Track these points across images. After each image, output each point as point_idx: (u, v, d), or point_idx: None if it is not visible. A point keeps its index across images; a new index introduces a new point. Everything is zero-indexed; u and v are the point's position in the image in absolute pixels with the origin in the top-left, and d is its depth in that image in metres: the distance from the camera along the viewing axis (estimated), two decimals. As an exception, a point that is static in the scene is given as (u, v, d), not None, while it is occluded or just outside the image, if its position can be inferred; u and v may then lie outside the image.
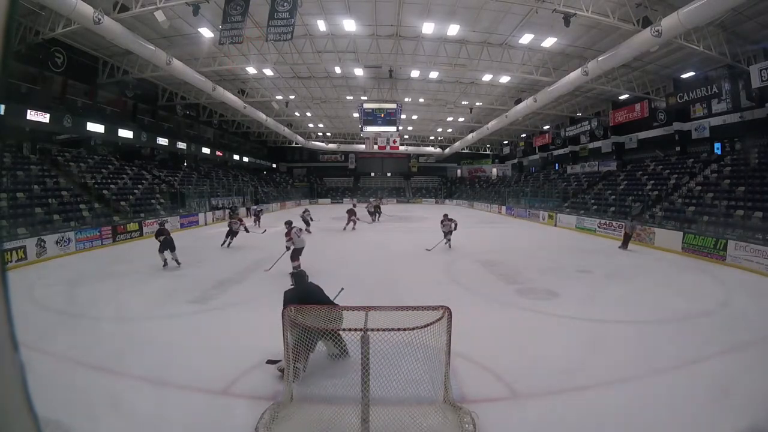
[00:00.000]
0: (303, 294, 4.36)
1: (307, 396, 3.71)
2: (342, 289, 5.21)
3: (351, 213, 18.24)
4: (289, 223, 9.41)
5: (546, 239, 15.97)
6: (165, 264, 9.45)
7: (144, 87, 21.61)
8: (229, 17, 12.05)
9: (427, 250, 12.04)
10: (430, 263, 10.40)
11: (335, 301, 4.64)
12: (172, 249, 9.58)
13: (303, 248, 9.04)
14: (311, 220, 17.50)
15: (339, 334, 3.80)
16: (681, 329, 5.66)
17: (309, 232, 15.83)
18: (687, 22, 11.23)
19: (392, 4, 14.09)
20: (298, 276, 4.72)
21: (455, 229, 12.53)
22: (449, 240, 12.66)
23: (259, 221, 19.21)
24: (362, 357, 3.08)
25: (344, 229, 17.72)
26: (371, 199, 26.93)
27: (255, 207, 23.53)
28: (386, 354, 3.19)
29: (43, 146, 17.44)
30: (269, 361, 4.27)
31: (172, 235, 10.01)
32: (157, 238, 9.69)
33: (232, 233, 12.93)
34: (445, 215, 13.12)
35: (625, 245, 12.83)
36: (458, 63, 17.93)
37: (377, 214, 22.07)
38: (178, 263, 9.62)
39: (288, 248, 8.89)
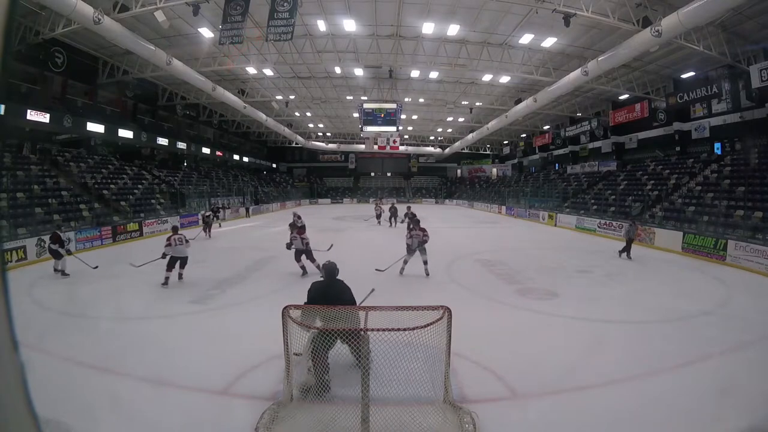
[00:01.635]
0: (327, 289, 4.17)
1: (308, 396, 3.70)
2: (372, 290, 4.98)
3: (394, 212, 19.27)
4: (174, 228, 8.76)
5: (546, 239, 15.97)
6: (59, 272, 8.64)
7: (144, 87, 21.59)
8: (229, 17, 12.06)
9: (377, 270, 8.70)
10: (430, 263, 10.37)
11: (365, 304, 4.38)
12: (57, 257, 8.63)
13: (183, 258, 8.02)
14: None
15: (364, 341, 3.43)
16: (681, 329, 5.66)
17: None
18: (687, 22, 11.23)
19: (392, 4, 14.09)
20: (328, 270, 4.36)
21: (423, 244, 8.62)
22: (408, 260, 8.73)
23: (209, 229, 15.48)
24: (362, 357, 3.08)
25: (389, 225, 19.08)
26: (379, 200, 25.51)
27: (206, 213, 16.78)
28: (386, 354, 3.19)
29: (43, 146, 17.45)
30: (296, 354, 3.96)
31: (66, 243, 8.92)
32: (51, 245, 8.74)
33: (302, 252, 8.82)
34: (413, 216, 10.33)
35: (626, 251, 11.04)
36: (458, 63, 17.93)
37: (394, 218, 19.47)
38: (64, 274, 8.67)
39: (165, 255, 7.86)
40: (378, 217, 20.63)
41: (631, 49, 13.49)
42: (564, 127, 29.53)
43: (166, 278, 7.80)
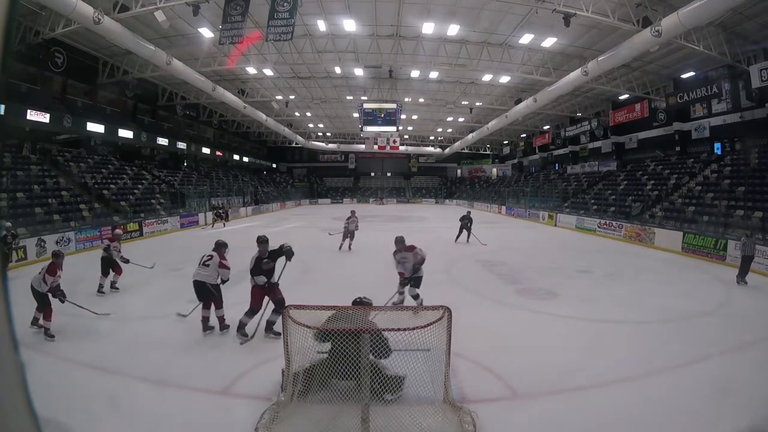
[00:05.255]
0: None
1: (308, 396, 3.70)
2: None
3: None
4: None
5: (546, 239, 15.97)
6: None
7: (144, 87, 21.59)
8: (229, 17, 12.07)
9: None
10: (430, 263, 10.33)
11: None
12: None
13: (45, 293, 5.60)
14: None
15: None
16: (681, 329, 5.66)
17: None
18: (687, 22, 11.23)
19: (392, 4, 14.09)
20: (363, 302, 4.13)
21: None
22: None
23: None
24: (362, 357, 3.09)
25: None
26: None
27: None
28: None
29: (43, 146, 17.43)
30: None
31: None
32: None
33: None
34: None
35: (743, 274, 8.22)
36: (458, 63, 17.94)
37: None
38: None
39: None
40: (346, 236, 12.41)
41: (631, 49, 13.49)
42: (564, 127, 29.53)
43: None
